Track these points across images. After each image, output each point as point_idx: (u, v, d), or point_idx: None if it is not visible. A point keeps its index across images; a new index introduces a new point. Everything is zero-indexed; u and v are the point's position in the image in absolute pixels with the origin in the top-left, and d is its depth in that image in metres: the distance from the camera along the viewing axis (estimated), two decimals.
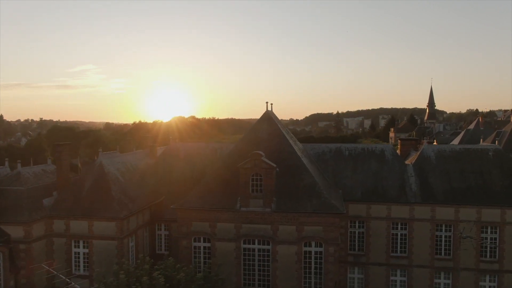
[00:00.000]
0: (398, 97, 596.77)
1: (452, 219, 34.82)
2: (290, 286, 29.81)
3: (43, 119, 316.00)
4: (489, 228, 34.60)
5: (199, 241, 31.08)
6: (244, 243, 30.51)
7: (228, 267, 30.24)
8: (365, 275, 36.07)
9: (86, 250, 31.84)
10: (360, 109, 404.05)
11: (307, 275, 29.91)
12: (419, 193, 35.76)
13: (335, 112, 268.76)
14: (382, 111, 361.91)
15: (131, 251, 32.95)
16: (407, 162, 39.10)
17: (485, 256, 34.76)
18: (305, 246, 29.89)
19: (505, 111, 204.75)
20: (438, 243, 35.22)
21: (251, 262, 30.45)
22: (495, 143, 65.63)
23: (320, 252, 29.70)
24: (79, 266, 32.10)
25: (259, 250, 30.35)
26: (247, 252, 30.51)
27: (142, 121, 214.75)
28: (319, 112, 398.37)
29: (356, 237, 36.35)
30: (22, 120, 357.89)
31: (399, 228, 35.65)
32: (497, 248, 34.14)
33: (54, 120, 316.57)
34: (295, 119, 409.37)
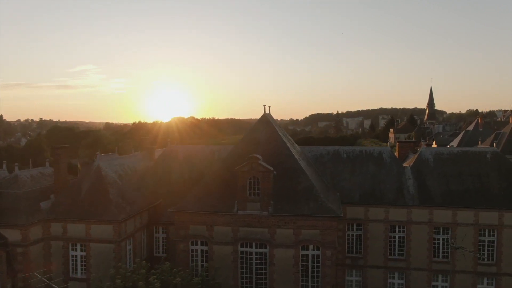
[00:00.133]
0: (398, 97, 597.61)
1: (450, 222, 34.81)
2: None
3: (43, 119, 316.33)
4: (486, 231, 34.59)
5: (197, 245, 31.07)
6: (242, 246, 30.50)
7: (225, 270, 30.21)
8: (363, 278, 36.06)
9: (84, 253, 31.85)
10: (360, 109, 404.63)
11: (304, 279, 29.88)
12: (417, 196, 35.75)
13: (335, 112, 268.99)
14: (382, 111, 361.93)
15: (129, 254, 32.96)
16: (405, 164, 39.09)
17: (483, 259, 34.74)
18: (303, 249, 29.86)
19: (505, 111, 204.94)
20: (436, 245, 35.19)
21: (248, 266, 30.44)
22: (494, 145, 65.86)
23: (318, 256, 29.68)
24: (76, 269, 32.11)
25: (256, 253, 30.34)
26: (244, 256, 30.51)
27: (142, 121, 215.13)
28: (319, 112, 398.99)
29: (354, 239, 36.33)
30: (22, 120, 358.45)
31: (397, 231, 35.64)
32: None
33: (54, 120, 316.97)
34: (295, 119, 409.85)
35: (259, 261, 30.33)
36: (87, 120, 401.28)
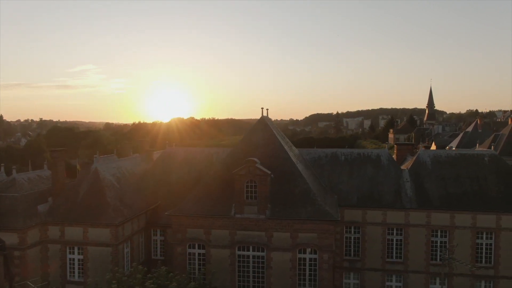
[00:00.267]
0: (398, 97, 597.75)
1: (447, 224, 34.81)
2: None
3: (43, 119, 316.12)
4: (484, 234, 34.58)
5: (194, 248, 31.07)
6: (239, 249, 30.50)
7: (222, 273, 30.21)
8: (360, 281, 36.05)
9: (81, 257, 31.83)
10: (360, 109, 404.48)
11: (302, 282, 29.88)
12: (415, 199, 35.74)
13: (335, 113, 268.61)
14: (382, 111, 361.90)
15: (126, 257, 32.95)
16: (403, 167, 39.08)
17: (481, 261, 34.74)
18: (300, 253, 29.86)
19: (505, 111, 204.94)
20: (434, 248, 35.19)
21: (245, 269, 30.43)
22: (494, 144, 65.78)
23: (315, 259, 29.67)
24: (74, 272, 32.10)
25: (253, 257, 30.34)
26: (241, 259, 30.50)
27: (142, 121, 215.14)
28: (319, 112, 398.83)
29: (352, 242, 36.33)
30: (22, 120, 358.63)
31: (394, 234, 35.63)
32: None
33: (54, 120, 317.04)
34: (295, 119, 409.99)
35: (256, 265, 30.33)
36: (87, 120, 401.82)
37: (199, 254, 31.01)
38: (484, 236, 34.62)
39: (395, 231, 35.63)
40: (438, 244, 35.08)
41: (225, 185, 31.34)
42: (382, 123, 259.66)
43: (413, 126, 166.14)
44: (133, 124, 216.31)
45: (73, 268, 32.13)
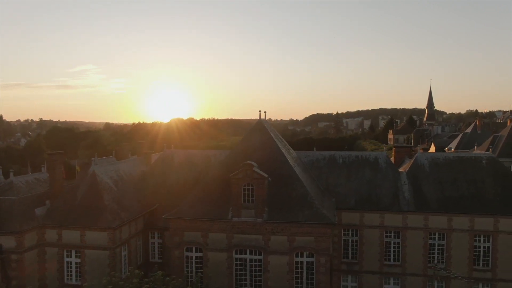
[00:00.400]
0: (398, 97, 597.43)
1: (445, 227, 34.82)
2: None
3: (43, 119, 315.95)
4: (482, 237, 34.58)
5: (191, 251, 31.07)
6: (236, 253, 30.50)
7: (220, 277, 30.23)
8: (358, 284, 36.07)
9: (78, 260, 31.83)
10: (360, 109, 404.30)
11: (299, 286, 29.83)
12: (412, 201, 35.74)
13: (334, 113, 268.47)
14: (381, 111, 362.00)
15: (124, 261, 32.96)
16: (401, 169, 39.09)
17: (478, 264, 34.74)
18: (297, 256, 29.86)
19: (505, 112, 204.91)
20: (431, 251, 35.20)
21: (243, 272, 30.43)
22: (493, 146, 65.85)
23: (312, 263, 29.67)
24: (71, 275, 32.10)
25: (250, 260, 30.33)
26: (239, 262, 30.50)
27: (142, 121, 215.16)
28: (319, 112, 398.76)
29: (350, 245, 36.36)
30: (22, 120, 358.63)
31: (392, 237, 35.65)
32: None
33: (54, 120, 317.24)
34: (295, 119, 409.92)
35: (253, 268, 30.33)
36: (87, 120, 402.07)
37: (196, 257, 31.02)
38: (482, 239, 34.63)
39: (392, 234, 35.65)
40: (436, 247, 35.10)
41: (223, 188, 31.35)
42: (382, 123, 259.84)
43: (412, 126, 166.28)
44: (133, 124, 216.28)
45: (71, 271, 32.11)
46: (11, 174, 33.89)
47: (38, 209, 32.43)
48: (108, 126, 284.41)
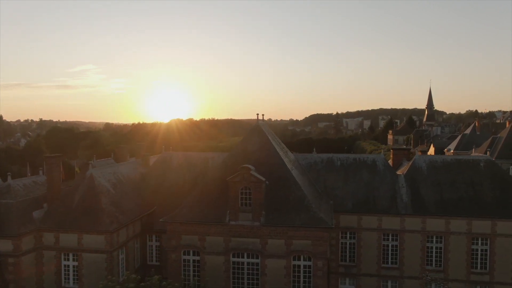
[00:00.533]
0: (397, 97, 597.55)
1: (443, 230, 34.82)
2: None
3: (42, 119, 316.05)
4: (479, 239, 34.57)
5: (189, 254, 31.06)
6: (233, 256, 30.48)
7: (217, 280, 30.20)
8: (356, 286, 36.08)
9: (76, 263, 31.81)
10: (359, 109, 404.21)
11: None
12: (410, 204, 35.74)
13: (334, 113, 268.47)
14: (381, 111, 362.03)
15: (121, 264, 32.96)
16: (398, 172, 39.07)
17: (476, 267, 34.74)
18: (294, 260, 29.83)
19: (504, 112, 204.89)
20: (429, 254, 35.20)
21: (240, 276, 30.41)
22: (492, 148, 65.81)
23: (309, 266, 29.65)
24: (68, 279, 32.09)
25: (248, 263, 30.31)
26: (236, 266, 30.47)
27: (142, 122, 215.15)
28: (319, 112, 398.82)
29: (347, 248, 36.36)
30: (22, 120, 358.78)
31: (390, 239, 35.66)
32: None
33: (54, 120, 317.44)
34: (294, 119, 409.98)
35: (251, 271, 30.30)
36: (87, 120, 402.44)
37: (193, 260, 31.00)
38: (480, 242, 34.62)
39: (390, 237, 35.66)
40: (434, 249, 35.10)
41: (220, 191, 31.33)
42: (381, 123, 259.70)
43: (412, 127, 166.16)
44: (133, 124, 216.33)
45: (68, 274, 32.10)
46: (9, 177, 33.87)
47: (36, 212, 32.44)
48: (108, 126, 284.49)
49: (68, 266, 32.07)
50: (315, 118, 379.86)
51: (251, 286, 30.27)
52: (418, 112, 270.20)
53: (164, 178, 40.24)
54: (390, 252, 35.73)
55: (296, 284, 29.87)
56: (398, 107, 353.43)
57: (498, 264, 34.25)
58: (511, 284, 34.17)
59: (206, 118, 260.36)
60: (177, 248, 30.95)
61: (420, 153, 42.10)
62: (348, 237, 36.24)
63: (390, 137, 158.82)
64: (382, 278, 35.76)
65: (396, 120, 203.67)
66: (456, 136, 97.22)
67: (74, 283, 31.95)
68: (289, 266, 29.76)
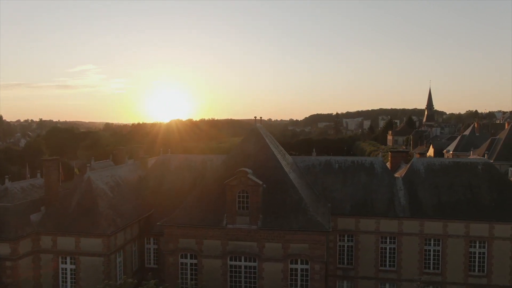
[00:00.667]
0: (397, 97, 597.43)
1: (440, 233, 34.78)
2: None
3: (42, 119, 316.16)
4: (477, 242, 34.54)
5: (186, 258, 31.08)
6: (231, 260, 30.49)
7: (214, 284, 30.22)
8: None
9: (73, 266, 31.82)
10: (359, 109, 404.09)
11: None
12: (408, 207, 35.72)
13: (334, 113, 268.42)
14: (381, 111, 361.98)
15: (119, 267, 32.94)
16: (396, 175, 39.05)
17: (474, 270, 34.72)
18: (291, 263, 29.85)
19: (504, 112, 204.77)
20: (427, 257, 35.18)
21: (237, 279, 30.43)
22: (490, 150, 65.77)
23: (306, 270, 29.66)
24: (66, 282, 32.09)
25: (245, 267, 30.33)
26: (233, 269, 30.49)
27: (142, 122, 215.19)
28: (319, 112, 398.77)
29: (345, 251, 36.32)
30: (22, 120, 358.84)
31: (387, 242, 35.62)
32: None
33: (54, 120, 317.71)
34: (294, 119, 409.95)
35: (248, 275, 30.32)
36: (87, 120, 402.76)
37: (191, 264, 31.02)
38: (477, 244, 34.59)
39: (388, 240, 35.63)
40: (431, 252, 35.08)
41: (217, 195, 31.35)
42: (381, 123, 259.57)
43: (412, 127, 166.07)
44: (133, 125, 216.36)
45: (66, 278, 32.09)
46: (6, 180, 33.87)
47: (33, 215, 32.41)
48: (108, 126, 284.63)
49: (66, 269, 32.07)
50: (315, 118, 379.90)
51: None
52: (418, 112, 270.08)
53: (162, 180, 40.25)
54: (388, 255, 35.69)
55: (293, 287, 29.88)
56: (398, 107, 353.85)
57: (495, 267, 34.21)
58: (508, 287, 34.16)
59: (206, 118, 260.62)
60: (175, 251, 30.98)
61: (418, 156, 41.97)
62: (346, 240, 36.21)
63: (389, 137, 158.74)
64: (380, 281, 35.74)
65: (396, 120, 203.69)
66: (456, 137, 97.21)
67: (71, 286, 31.95)
68: (286, 270, 29.77)
